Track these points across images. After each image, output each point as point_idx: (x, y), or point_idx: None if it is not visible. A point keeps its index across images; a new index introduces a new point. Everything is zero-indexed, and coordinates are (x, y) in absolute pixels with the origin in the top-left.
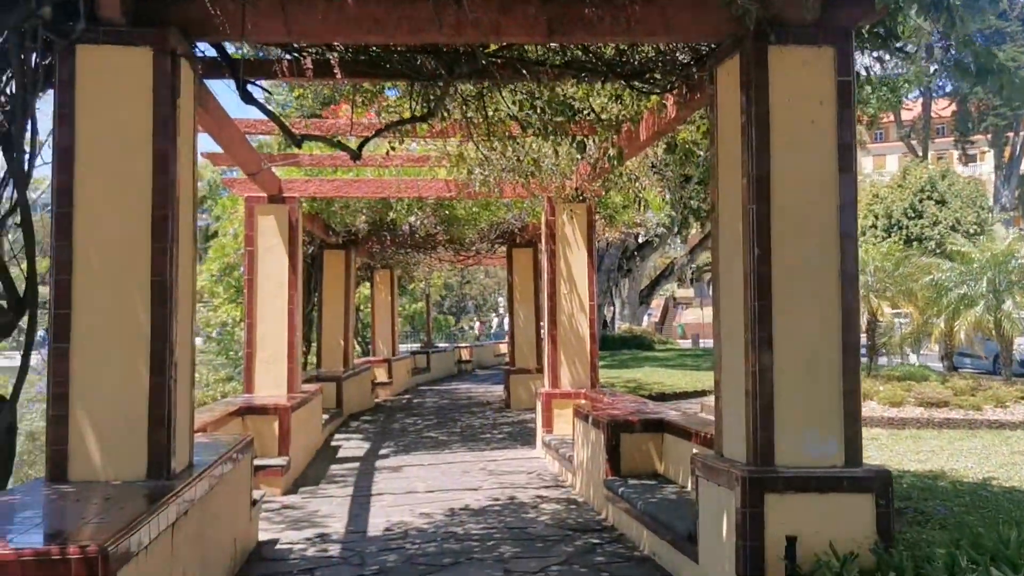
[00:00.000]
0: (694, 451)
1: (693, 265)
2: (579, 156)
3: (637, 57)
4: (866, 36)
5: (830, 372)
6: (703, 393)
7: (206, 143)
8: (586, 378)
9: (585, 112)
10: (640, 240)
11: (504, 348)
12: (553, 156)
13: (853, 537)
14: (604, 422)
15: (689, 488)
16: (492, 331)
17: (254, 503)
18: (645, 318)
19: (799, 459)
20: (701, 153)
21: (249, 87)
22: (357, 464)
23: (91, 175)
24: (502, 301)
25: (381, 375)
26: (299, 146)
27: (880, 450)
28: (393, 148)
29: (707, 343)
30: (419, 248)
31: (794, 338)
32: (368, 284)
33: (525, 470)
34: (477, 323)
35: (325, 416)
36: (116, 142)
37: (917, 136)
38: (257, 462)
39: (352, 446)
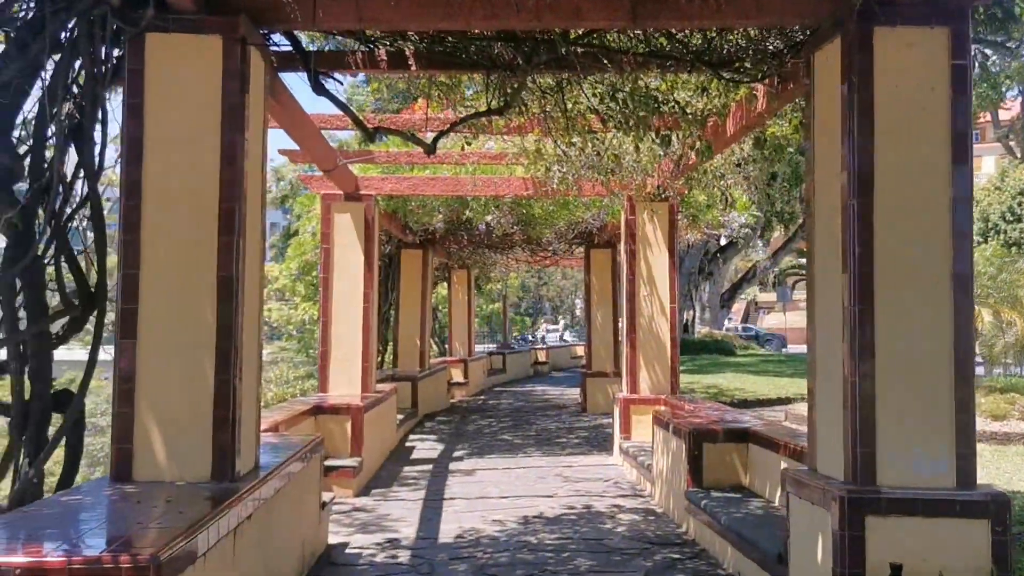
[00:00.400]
0: (783, 464)
1: (776, 268)
2: (662, 153)
3: (726, 46)
4: (981, 19)
5: (939, 381)
6: (787, 401)
7: (285, 140)
8: (666, 383)
9: (669, 105)
10: (722, 242)
11: (580, 350)
12: (634, 152)
13: (966, 566)
14: (686, 430)
15: (777, 504)
16: (558, 333)
17: (323, 505)
18: (725, 322)
19: (904, 478)
20: (791, 149)
21: (323, 80)
22: (430, 466)
23: (159, 168)
24: (579, 303)
25: (457, 375)
26: (372, 140)
27: (984, 467)
28: (468, 144)
29: (790, 349)
30: (496, 248)
31: (899, 344)
32: (446, 284)
33: (602, 477)
34: (544, 325)
35: (400, 416)
36: (184, 133)
37: (1016, 137)
38: (329, 463)
39: (426, 447)
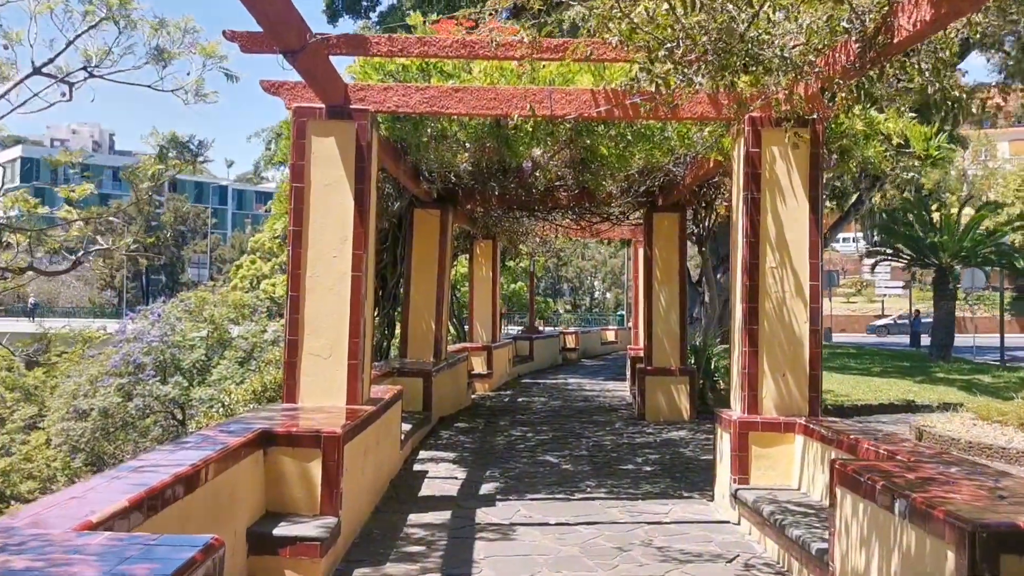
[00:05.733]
0: None
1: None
2: (844, 24)
3: None
4: None
5: None
6: (896, 408)
7: (242, 22)
8: (802, 399)
9: None
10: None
11: (611, 335)
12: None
13: None
14: (960, 527)
15: None
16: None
17: None
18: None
19: None
20: None
21: None
22: (447, 514)
23: None
24: (598, 284)
25: (479, 365)
26: None
27: None
28: None
29: (841, 338)
30: (535, 209)
31: None
32: (465, 258)
33: (716, 549)
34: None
35: (407, 426)
36: None
37: None
38: (281, 531)
39: (441, 474)
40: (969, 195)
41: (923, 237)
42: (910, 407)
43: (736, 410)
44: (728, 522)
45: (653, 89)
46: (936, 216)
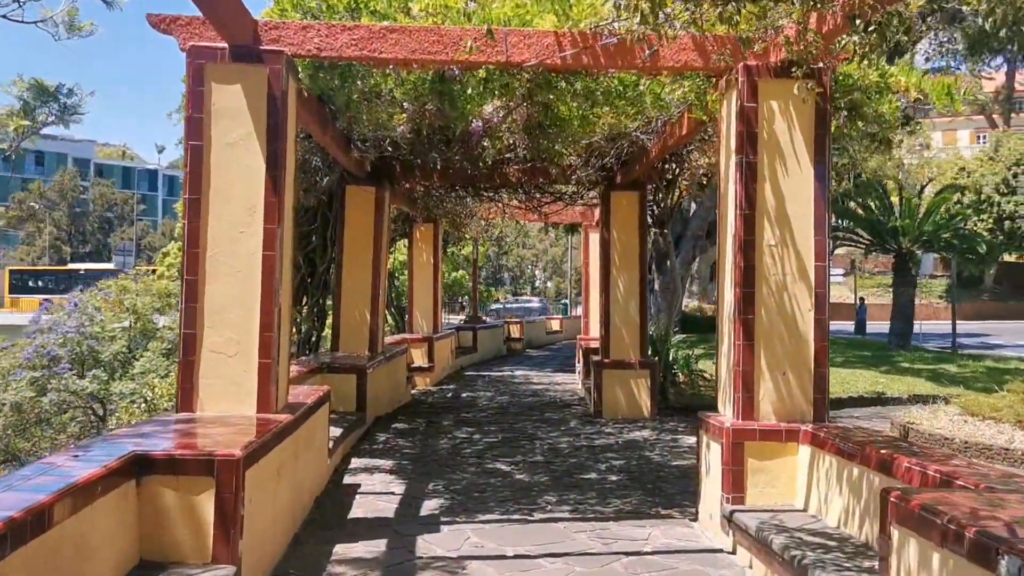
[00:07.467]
0: None
1: None
2: None
3: None
4: None
5: None
6: (864, 401)
7: None
8: (805, 401)
9: None
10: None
11: (556, 324)
12: None
13: None
14: None
15: None
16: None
17: None
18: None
19: None
20: None
21: None
22: (382, 543)
23: None
24: (539, 273)
25: (419, 357)
26: None
27: None
28: None
29: None
30: (481, 186)
31: None
32: (404, 243)
33: None
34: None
35: (336, 430)
36: None
37: (998, 107)
38: None
39: (376, 487)
40: (927, 180)
41: (884, 221)
42: (880, 400)
43: (728, 415)
44: (721, 550)
45: (638, 21)
46: (895, 200)
